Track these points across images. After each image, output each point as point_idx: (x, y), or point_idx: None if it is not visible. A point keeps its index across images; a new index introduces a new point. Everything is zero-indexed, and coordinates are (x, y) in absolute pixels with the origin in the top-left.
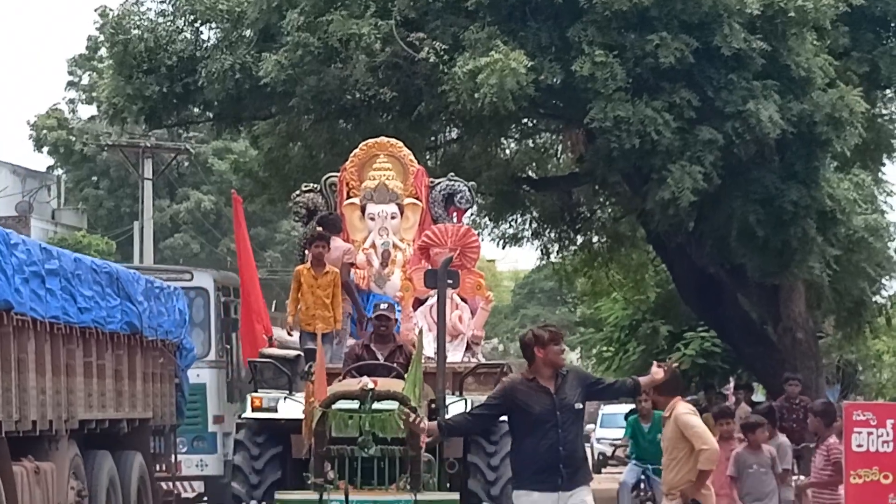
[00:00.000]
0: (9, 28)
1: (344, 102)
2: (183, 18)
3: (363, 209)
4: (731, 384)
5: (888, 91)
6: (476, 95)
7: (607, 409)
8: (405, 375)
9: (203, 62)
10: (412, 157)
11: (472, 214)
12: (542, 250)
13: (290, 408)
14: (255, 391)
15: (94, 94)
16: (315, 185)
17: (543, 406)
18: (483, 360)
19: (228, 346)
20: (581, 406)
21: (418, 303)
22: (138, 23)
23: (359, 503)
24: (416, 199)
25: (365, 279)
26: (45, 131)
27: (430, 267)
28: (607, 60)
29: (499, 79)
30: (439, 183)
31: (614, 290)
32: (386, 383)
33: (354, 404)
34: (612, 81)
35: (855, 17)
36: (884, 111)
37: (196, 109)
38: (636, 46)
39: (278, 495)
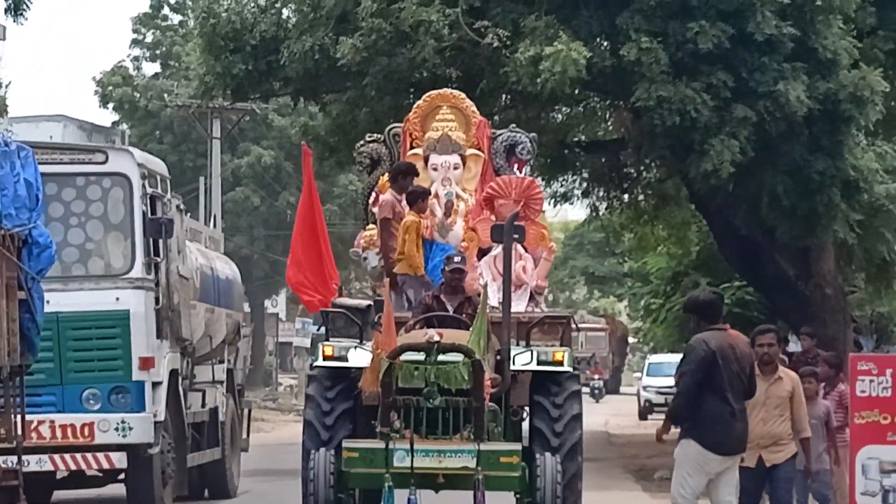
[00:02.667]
0: None
1: (412, 80)
2: (266, 1)
3: (426, 159)
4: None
5: None
6: (538, 80)
7: (654, 358)
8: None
9: (285, 42)
10: (474, 108)
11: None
12: (591, 208)
13: (361, 356)
14: (327, 340)
15: (157, 52)
16: (379, 136)
17: (731, 370)
18: (546, 310)
19: (158, 259)
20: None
21: (481, 252)
22: (226, 6)
23: (424, 452)
24: (479, 149)
25: (428, 228)
26: (110, 88)
27: (493, 218)
28: (652, 46)
29: (562, 66)
30: (501, 134)
31: (659, 245)
32: (452, 335)
33: (420, 356)
34: (657, 65)
35: None
36: None
37: (277, 84)
38: (678, 33)
39: (346, 443)
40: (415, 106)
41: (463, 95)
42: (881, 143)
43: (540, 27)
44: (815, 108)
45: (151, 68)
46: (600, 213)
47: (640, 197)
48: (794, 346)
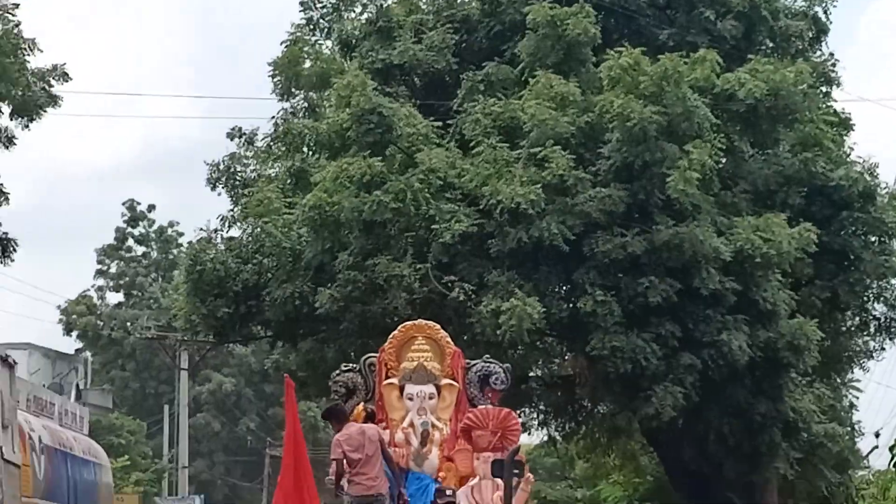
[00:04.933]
0: (40, 220)
1: (385, 327)
2: (248, 253)
3: (402, 389)
4: None
5: (847, 312)
6: (498, 331)
7: None
8: None
9: (266, 289)
10: (448, 339)
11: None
12: (548, 437)
13: None
14: None
15: (121, 282)
16: (354, 366)
17: None
18: None
19: None
20: None
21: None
22: (212, 255)
23: None
24: (453, 379)
25: (404, 457)
26: (74, 316)
27: (470, 448)
28: (606, 299)
29: (517, 320)
30: (475, 364)
31: (612, 475)
32: None
33: None
34: (611, 316)
35: (818, 251)
36: (843, 329)
37: (256, 328)
38: (629, 287)
39: None
40: (390, 336)
41: (437, 326)
42: (818, 385)
43: (502, 282)
44: (757, 355)
45: (115, 298)
46: (557, 444)
47: (595, 429)
48: None
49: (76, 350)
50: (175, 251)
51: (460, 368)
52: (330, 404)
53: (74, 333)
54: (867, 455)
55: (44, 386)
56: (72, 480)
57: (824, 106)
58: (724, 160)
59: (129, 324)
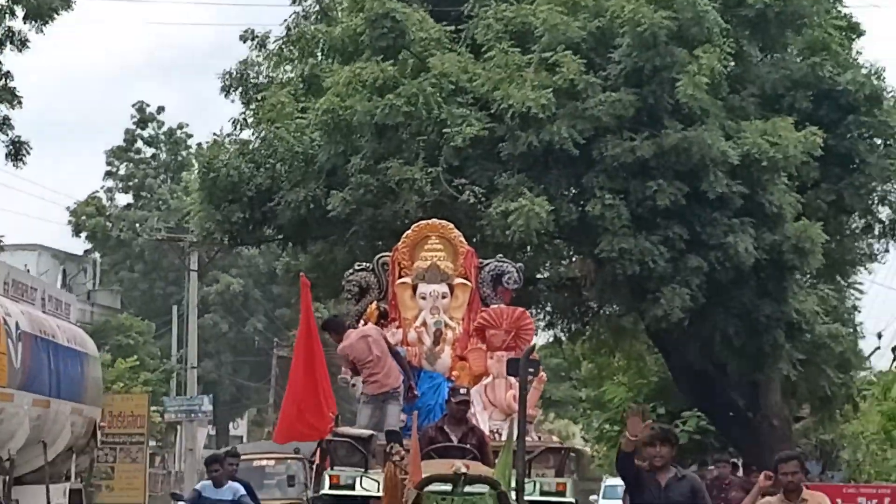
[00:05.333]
0: (51, 122)
1: (395, 229)
2: (261, 157)
3: (415, 288)
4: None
5: (853, 215)
6: (507, 232)
7: (610, 481)
8: (479, 457)
9: (279, 193)
10: (462, 238)
11: None
12: (554, 339)
13: (367, 485)
14: (331, 469)
15: (130, 184)
16: (367, 265)
17: (650, 495)
18: (536, 437)
19: None
20: None
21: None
22: (224, 161)
23: None
24: (466, 279)
25: (416, 356)
26: (83, 217)
27: (484, 347)
28: (615, 202)
29: (525, 220)
30: (488, 264)
31: (617, 375)
32: (477, 467)
33: (447, 487)
34: (619, 219)
35: (824, 153)
36: (847, 232)
37: (269, 231)
38: (638, 191)
39: None
40: (404, 235)
41: (451, 226)
42: (822, 286)
43: (512, 185)
44: (762, 257)
45: (124, 199)
46: (563, 345)
47: (600, 330)
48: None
49: (85, 251)
50: (184, 153)
51: (473, 268)
52: (327, 317)
53: (83, 235)
54: (869, 356)
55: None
56: (54, 370)
57: (833, 10)
58: (732, 64)
59: (137, 225)
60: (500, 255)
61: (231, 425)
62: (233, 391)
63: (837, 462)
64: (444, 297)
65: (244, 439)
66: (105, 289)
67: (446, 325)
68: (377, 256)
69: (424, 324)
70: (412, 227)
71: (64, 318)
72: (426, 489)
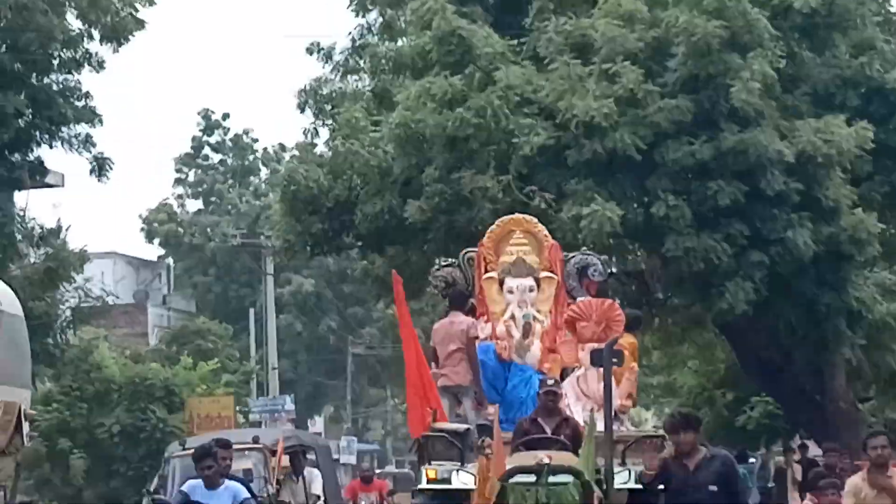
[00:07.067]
0: (121, 129)
1: (470, 235)
2: (339, 170)
3: (501, 283)
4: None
5: None
6: (579, 235)
7: None
8: (571, 448)
9: (358, 205)
10: (546, 232)
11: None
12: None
13: (463, 478)
14: (428, 463)
15: (199, 189)
16: (454, 260)
17: (679, 481)
18: (631, 429)
19: None
20: (716, 489)
21: (563, 374)
22: (304, 173)
23: None
24: (552, 272)
25: (507, 349)
26: (155, 224)
27: (576, 340)
28: (678, 203)
29: (598, 224)
30: (573, 257)
31: (687, 363)
32: (560, 457)
33: (531, 478)
34: (683, 220)
35: (876, 148)
36: None
37: (347, 239)
38: (699, 192)
39: None
40: (488, 231)
41: (535, 220)
42: (879, 270)
43: (580, 190)
44: (820, 249)
45: (194, 205)
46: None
47: (668, 321)
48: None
49: (158, 257)
50: (251, 157)
51: (558, 261)
52: (454, 290)
53: (156, 241)
54: None
55: (133, 294)
56: None
57: (882, 11)
58: (783, 64)
59: (209, 230)
60: (585, 247)
61: (309, 423)
62: (309, 389)
63: None
64: (531, 291)
65: (322, 436)
66: (179, 293)
67: (535, 318)
68: (463, 252)
69: (513, 317)
70: (496, 222)
71: None
72: (511, 481)
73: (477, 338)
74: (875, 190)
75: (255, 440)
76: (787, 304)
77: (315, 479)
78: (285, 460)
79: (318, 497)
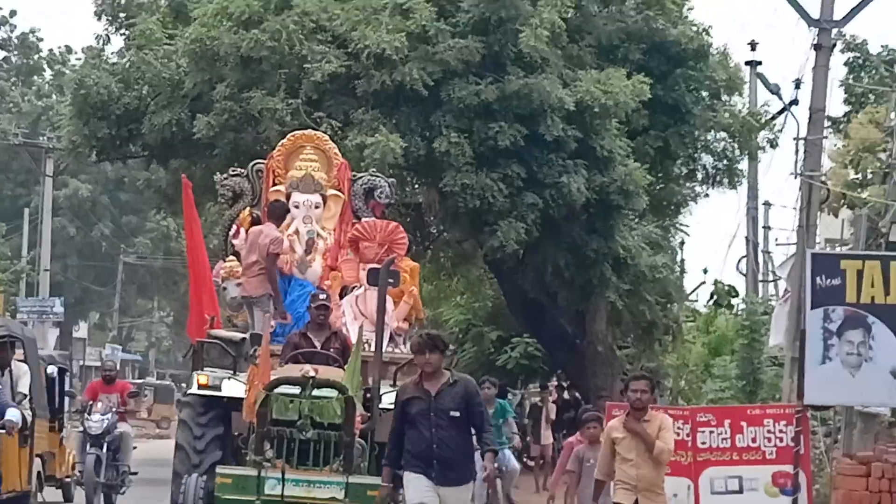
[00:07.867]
0: None
1: (255, 154)
2: (131, 79)
3: (288, 197)
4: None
5: (677, 161)
6: (362, 164)
7: None
8: (340, 362)
9: (146, 114)
10: (336, 150)
11: None
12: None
13: (234, 387)
14: (201, 370)
15: None
16: (242, 170)
17: (420, 407)
18: (405, 350)
19: None
20: (458, 414)
21: (343, 291)
22: (96, 79)
23: (294, 481)
24: (339, 190)
25: (288, 264)
26: None
27: (357, 259)
28: (459, 141)
29: (381, 154)
30: (361, 177)
31: (455, 297)
32: (326, 371)
33: (296, 389)
34: (462, 157)
35: (653, 103)
36: (673, 175)
37: (135, 148)
38: (481, 131)
39: (219, 469)
40: (279, 144)
41: (326, 137)
42: (647, 223)
43: (366, 120)
44: (592, 197)
45: None
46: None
47: (441, 254)
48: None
49: None
50: (36, 57)
51: (346, 180)
52: (273, 201)
53: None
54: (694, 290)
55: None
56: None
57: None
58: (570, 13)
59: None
60: (374, 169)
61: (74, 328)
62: (78, 294)
63: (660, 388)
64: (316, 208)
65: (86, 342)
66: None
67: (318, 234)
68: (252, 163)
69: (297, 232)
70: (288, 136)
71: None
72: (275, 391)
73: (277, 255)
74: (649, 144)
75: None
76: (557, 247)
77: (24, 375)
78: None
79: (25, 395)
